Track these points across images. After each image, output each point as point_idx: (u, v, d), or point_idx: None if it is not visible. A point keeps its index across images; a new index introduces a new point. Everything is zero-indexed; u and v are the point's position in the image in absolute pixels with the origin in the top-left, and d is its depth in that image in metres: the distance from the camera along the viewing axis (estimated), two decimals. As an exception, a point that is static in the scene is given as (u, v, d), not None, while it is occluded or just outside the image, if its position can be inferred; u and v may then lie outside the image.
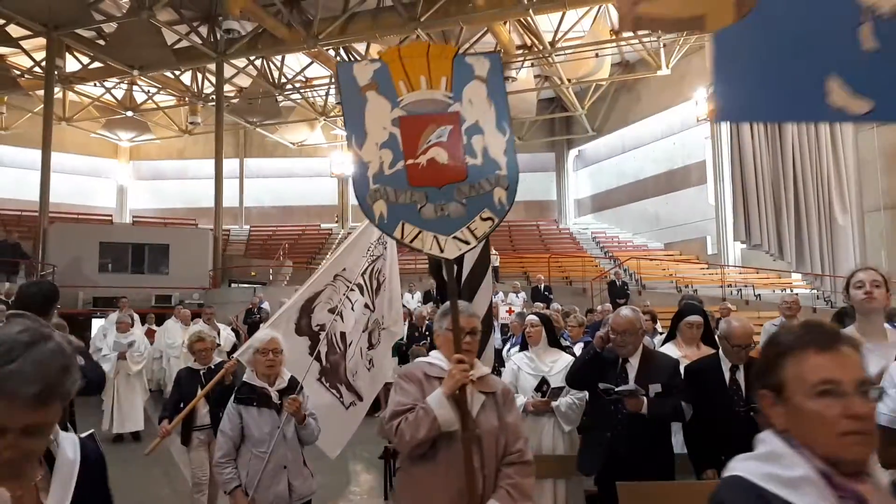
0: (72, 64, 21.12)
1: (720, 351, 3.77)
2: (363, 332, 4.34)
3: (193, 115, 25.90)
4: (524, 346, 4.68)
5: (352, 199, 28.83)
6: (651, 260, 20.24)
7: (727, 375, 3.68)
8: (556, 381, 4.24)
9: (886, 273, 2.87)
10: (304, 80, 24.09)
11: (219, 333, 9.79)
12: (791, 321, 6.95)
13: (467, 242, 2.48)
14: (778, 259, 16.11)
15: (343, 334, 4.26)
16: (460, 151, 2.51)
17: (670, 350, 4.22)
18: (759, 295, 16.20)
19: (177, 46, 20.30)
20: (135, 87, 25.00)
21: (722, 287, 16.52)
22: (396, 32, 18.94)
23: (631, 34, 19.53)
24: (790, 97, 1.94)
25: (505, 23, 19.35)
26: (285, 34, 18.89)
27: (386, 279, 4.47)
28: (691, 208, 21.29)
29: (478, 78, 2.59)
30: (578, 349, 6.15)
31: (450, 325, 2.54)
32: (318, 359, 4.12)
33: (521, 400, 4.31)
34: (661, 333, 7.39)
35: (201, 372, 4.91)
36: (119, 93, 25.22)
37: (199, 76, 24.03)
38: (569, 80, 22.15)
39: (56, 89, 20.70)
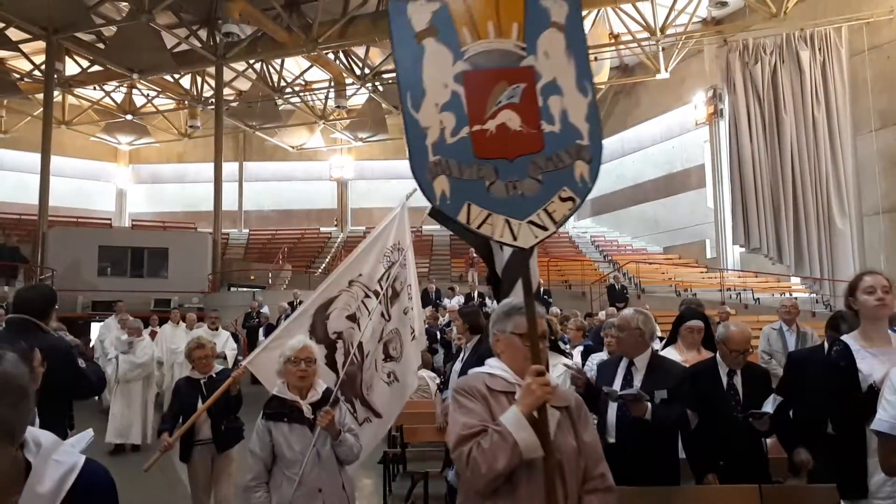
0: (71, 67, 21.14)
1: (717, 355, 3.75)
2: (378, 342, 4.06)
3: (193, 119, 25.90)
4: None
5: (351, 203, 28.92)
6: (650, 264, 20.24)
7: (724, 380, 3.66)
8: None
9: (889, 277, 2.85)
10: (303, 83, 24.10)
11: (235, 339, 9.73)
12: (791, 325, 6.95)
13: (544, 228, 2.06)
14: (777, 263, 16.10)
15: (360, 344, 3.98)
16: (536, 116, 2.09)
17: (670, 355, 4.21)
18: (758, 299, 16.20)
19: (176, 50, 20.32)
20: (134, 91, 25.01)
21: (721, 291, 16.52)
22: (396, 36, 18.96)
23: (630, 38, 19.57)
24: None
25: (504, 27, 19.35)
26: (285, 38, 18.91)
27: (409, 286, 4.20)
28: (690, 212, 21.30)
29: (554, 25, 2.13)
30: (577, 353, 6.15)
31: (516, 327, 2.17)
32: (334, 369, 3.84)
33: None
34: (660, 338, 7.38)
35: (201, 381, 4.57)
36: (118, 96, 25.23)
37: (199, 80, 24.05)
38: (568, 84, 22.14)
39: (55, 93, 20.71)
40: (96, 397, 10.75)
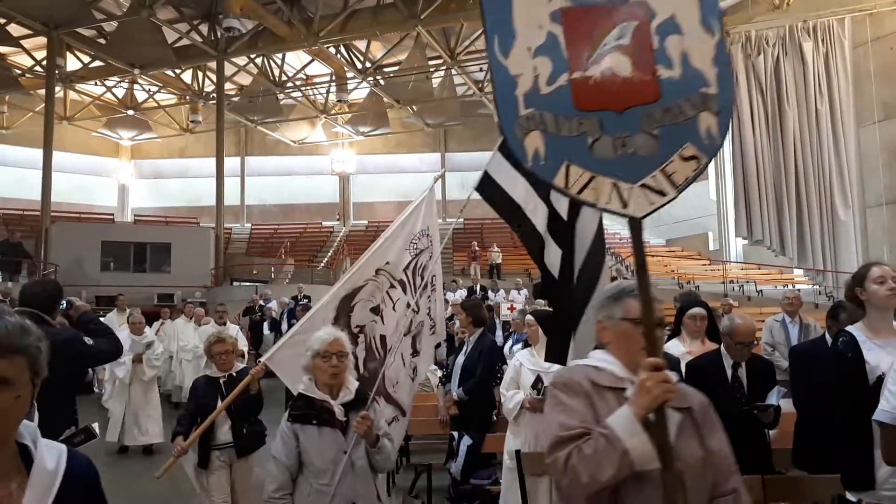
0: (72, 63, 21.12)
1: (722, 347, 3.75)
2: (405, 335, 3.70)
3: (194, 114, 25.90)
4: (529, 343, 4.68)
5: (353, 197, 28.86)
6: (653, 256, 20.19)
7: (729, 373, 3.66)
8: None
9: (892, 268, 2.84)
10: (304, 77, 24.06)
11: (252, 337, 9.60)
12: (793, 317, 6.95)
13: (662, 193, 1.74)
14: (780, 254, 16.08)
15: (383, 338, 3.67)
16: (650, 59, 1.76)
17: (675, 346, 4.20)
18: (761, 290, 16.18)
19: (177, 45, 20.29)
20: (136, 86, 24.99)
21: (724, 283, 16.50)
22: (397, 29, 18.93)
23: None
24: None
25: (505, 19, 19.30)
26: (286, 32, 18.87)
27: (434, 276, 3.87)
28: (693, 204, 21.23)
29: None
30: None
31: (627, 312, 1.86)
32: (355, 366, 3.54)
33: (520, 396, 4.32)
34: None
35: (221, 380, 4.17)
36: (120, 91, 25.22)
37: (200, 74, 24.02)
38: (570, 77, 22.10)
39: (57, 88, 20.70)
40: (101, 391, 10.79)
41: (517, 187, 3.19)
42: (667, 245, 22.33)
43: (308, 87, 24.66)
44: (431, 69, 21.77)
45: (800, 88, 15.61)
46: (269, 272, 20.88)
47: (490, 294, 14.95)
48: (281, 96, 24.47)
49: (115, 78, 22.98)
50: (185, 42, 20.07)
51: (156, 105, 25.84)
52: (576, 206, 3.15)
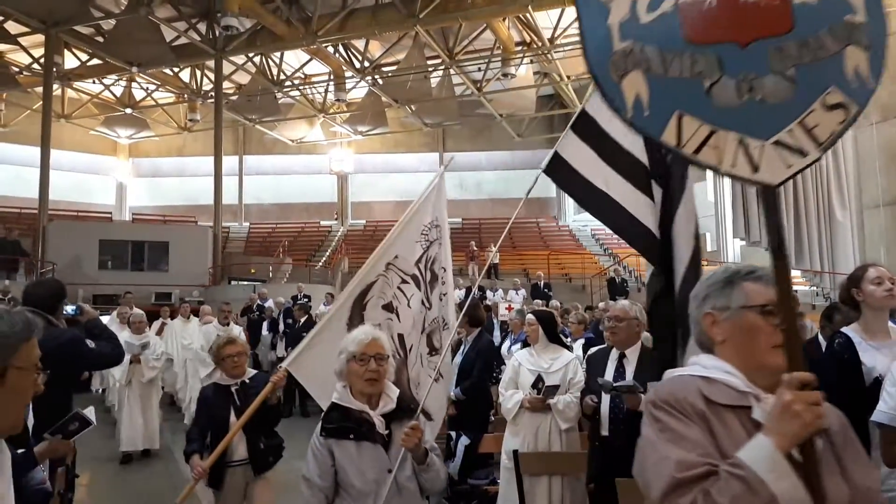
0: (70, 61, 21.08)
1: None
2: (422, 333, 3.52)
3: (192, 113, 25.88)
4: (527, 343, 4.69)
5: (351, 197, 28.88)
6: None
7: None
8: (554, 378, 4.25)
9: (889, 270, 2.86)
10: (302, 76, 24.05)
11: (250, 337, 9.25)
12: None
13: (802, 153, 1.36)
14: (777, 256, 16.10)
15: (401, 337, 3.43)
16: None
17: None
18: (759, 292, 16.20)
19: (175, 43, 20.26)
20: (133, 84, 24.95)
21: (721, 284, 16.49)
22: (395, 28, 18.94)
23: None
24: None
25: (504, 19, 19.31)
26: (284, 31, 18.86)
27: (443, 270, 3.63)
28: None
29: None
30: (578, 346, 6.18)
31: (748, 299, 1.43)
32: None
33: (518, 396, 4.33)
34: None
35: (232, 388, 3.71)
36: (118, 90, 25.18)
37: (198, 73, 24.00)
38: (568, 77, 22.13)
39: (55, 86, 20.67)
40: (101, 390, 10.76)
41: (591, 166, 2.83)
42: (664, 245, 22.35)
43: (306, 86, 24.66)
44: (430, 69, 21.77)
45: (798, 89, 15.63)
46: (267, 271, 20.87)
47: (488, 294, 14.96)
48: (279, 95, 24.45)
49: (113, 76, 22.94)
50: (183, 40, 20.05)
51: (154, 103, 25.80)
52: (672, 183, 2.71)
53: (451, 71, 21.59)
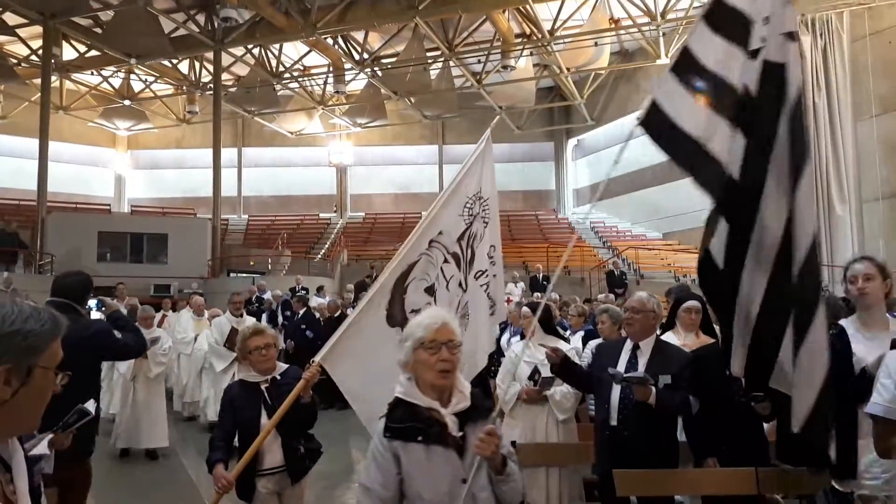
0: (68, 52, 21.00)
1: (720, 340, 3.78)
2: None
3: (191, 105, 25.80)
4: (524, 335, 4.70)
5: (350, 189, 28.84)
6: (649, 249, 20.26)
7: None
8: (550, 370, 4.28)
9: (884, 261, 2.88)
10: (302, 68, 23.98)
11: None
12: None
13: None
14: (776, 249, 16.10)
15: None
16: None
17: (669, 339, 4.23)
18: (757, 284, 16.22)
19: (174, 35, 20.18)
20: (132, 76, 24.87)
21: (720, 277, 16.51)
22: (395, 20, 18.87)
23: (630, 23, 19.45)
24: None
25: (504, 11, 19.24)
26: (283, 23, 18.78)
27: (491, 247, 3.25)
28: (690, 198, 21.16)
29: None
30: (578, 338, 6.19)
31: None
32: None
33: (516, 388, 4.35)
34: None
35: (262, 385, 3.29)
36: (116, 81, 25.09)
37: (197, 65, 23.91)
38: (568, 69, 22.06)
39: (53, 78, 20.60)
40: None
41: (692, 115, 2.49)
42: (664, 238, 22.38)
43: (305, 78, 24.58)
44: (429, 61, 21.70)
45: (798, 82, 15.60)
46: (266, 264, 20.87)
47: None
48: (278, 87, 24.39)
49: (112, 68, 22.87)
50: (181, 32, 19.97)
51: (152, 95, 25.72)
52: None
53: (451, 63, 21.53)
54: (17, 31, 19.10)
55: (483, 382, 5.22)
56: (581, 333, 6.39)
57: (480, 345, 3.48)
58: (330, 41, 20.88)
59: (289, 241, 23.83)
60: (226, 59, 21.85)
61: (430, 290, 3.06)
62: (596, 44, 20.87)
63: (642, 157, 23.67)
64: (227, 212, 25.58)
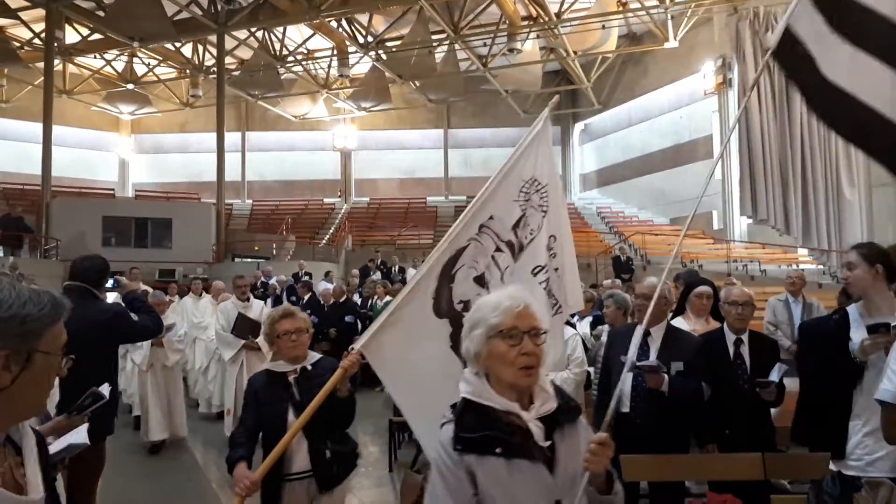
0: (71, 36, 20.88)
1: (724, 325, 3.76)
2: None
3: (195, 88, 25.67)
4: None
5: (355, 173, 28.77)
6: (656, 235, 20.14)
7: (731, 349, 3.67)
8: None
9: (893, 246, 2.88)
10: (305, 51, 23.80)
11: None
12: (797, 297, 6.93)
13: None
14: (784, 234, 16.02)
15: None
16: None
17: (679, 324, 4.20)
18: (765, 270, 16.14)
19: (177, 18, 20.01)
20: (135, 60, 24.74)
21: (727, 262, 16.45)
22: (399, 3, 18.67)
23: (638, 5, 19.20)
24: None
25: (510, -7, 19.02)
26: (287, 5, 18.60)
27: (551, 238, 2.88)
28: (697, 183, 21.11)
29: None
30: (585, 324, 6.15)
31: None
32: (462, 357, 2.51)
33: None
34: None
35: (290, 376, 2.93)
36: (119, 65, 24.99)
37: (200, 48, 23.76)
38: (575, 53, 21.84)
39: (56, 61, 20.50)
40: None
41: (831, 49, 2.16)
42: (670, 224, 22.25)
43: (309, 62, 24.41)
44: (434, 44, 21.49)
45: (808, 65, 15.39)
46: (271, 249, 20.87)
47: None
48: (282, 71, 24.23)
49: (115, 51, 22.75)
50: (185, 15, 19.79)
51: (155, 79, 25.60)
52: None
53: (456, 46, 21.31)
54: (20, 14, 18.97)
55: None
56: (589, 319, 6.35)
57: (554, 345, 3.06)
58: (334, 24, 20.70)
59: (293, 226, 23.81)
60: (229, 43, 21.70)
61: (482, 281, 2.72)
62: (603, 26, 20.63)
63: (650, 143, 23.54)
64: (231, 196, 25.56)
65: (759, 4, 16.02)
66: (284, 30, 22.34)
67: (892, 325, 2.54)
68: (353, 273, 14.94)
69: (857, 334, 2.69)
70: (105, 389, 2.82)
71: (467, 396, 1.71)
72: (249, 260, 19.27)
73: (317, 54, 24.16)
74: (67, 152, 24.84)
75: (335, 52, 23.21)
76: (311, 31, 21.86)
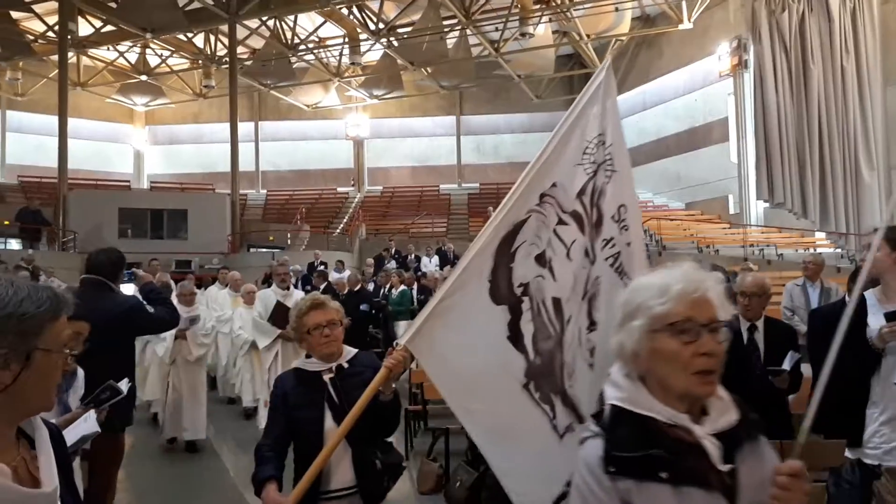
0: (84, 28, 20.99)
1: (738, 311, 3.75)
2: (583, 299, 2.26)
3: (207, 79, 25.74)
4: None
5: (368, 162, 28.75)
6: (672, 220, 19.97)
7: (745, 335, 3.63)
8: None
9: None
10: (317, 40, 23.75)
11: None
12: (814, 281, 6.84)
13: None
14: (801, 218, 15.82)
15: (556, 302, 2.24)
16: None
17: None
18: (782, 254, 15.97)
19: (189, 8, 20.05)
20: (148, 51, 24.85)
21: (744, 247, 16.30)
22: (410, -11, 18.55)
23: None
24: None
25: (521, -23, 18.82)
26: (297, -7, 18.56)
27: (622, 207, 2.38)
28: (713, 167, 20.88)
29: None
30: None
31: None
32: (520, 347, 2.19)
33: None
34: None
35: (325, 376, 2.50)
36: (133, 56, 25.10)
37: (212, 38, 23.80)
38: (588, 36, 21.60)
39: (70, 54, 20.64)
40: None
41: None
42: (686, 208, 22.06)
43: (321, 50, 24.37)
44: (446, 29, 21.35)
45: (825, 46, 15.13)
46: (286, 238, 20.97)
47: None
48: (294, 59, 24.21)
49: (128, 42, 22.85)
50: (196, 5, 19.83)
51: (168, 70, 25.71)
52: None
53: (468, 31, 21.16)
54: (34, 6, 19.10)
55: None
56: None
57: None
58: (345, 11, 20.62)
59: (307, 215, 23.90)
60: (241, 32, 21.71)
61: (542, 259, 2.26)
62: (616, 9, 20.38)
63: (664, 126, 23.28)
64: (246, 187, 25.67)
65: (776, -16, 15.73)
66: (295, 18, 22.29)
67: None
68: (367, 262, 14.98)
69: (875, 320, 2.62)
70: (124, 385, 2.86)
71: (618, 403, 1.35)
72: (265, 250, 19.38)
73: (328, 42, 24.12)
74: (83, 144, 25.06)
75: (346, 39, 23.14)
76: (322, 19, 21.81)
